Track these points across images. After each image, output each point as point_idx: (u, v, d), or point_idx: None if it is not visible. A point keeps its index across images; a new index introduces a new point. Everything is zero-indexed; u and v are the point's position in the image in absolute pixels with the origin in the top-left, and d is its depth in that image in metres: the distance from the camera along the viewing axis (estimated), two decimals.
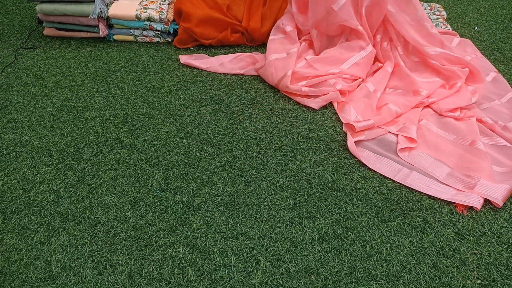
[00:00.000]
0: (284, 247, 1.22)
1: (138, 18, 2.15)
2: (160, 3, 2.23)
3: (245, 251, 1.21)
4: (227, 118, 1.71)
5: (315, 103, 1.76)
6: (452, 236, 1.26)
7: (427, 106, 1.75)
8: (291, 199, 1.37)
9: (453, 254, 1.21)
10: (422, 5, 2.56)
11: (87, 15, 2.12)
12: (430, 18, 2.40)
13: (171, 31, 2.24)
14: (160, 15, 2.16)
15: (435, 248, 1.22)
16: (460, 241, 1.25)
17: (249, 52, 2.13)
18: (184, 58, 2.08)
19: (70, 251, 1.21)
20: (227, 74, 1.98)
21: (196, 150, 1.55)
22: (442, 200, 1.37)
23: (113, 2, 2.23)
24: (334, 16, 1.88)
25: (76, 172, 1.46)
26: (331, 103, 1.80)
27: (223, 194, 1.38)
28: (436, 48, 1.89)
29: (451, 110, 1.68)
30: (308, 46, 2.07)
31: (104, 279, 1.13)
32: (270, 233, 1.26)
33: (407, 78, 1.84)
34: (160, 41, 2.26)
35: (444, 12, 2.46)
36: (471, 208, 1.34)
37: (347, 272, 1.16)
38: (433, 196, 1.38)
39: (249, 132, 1.64)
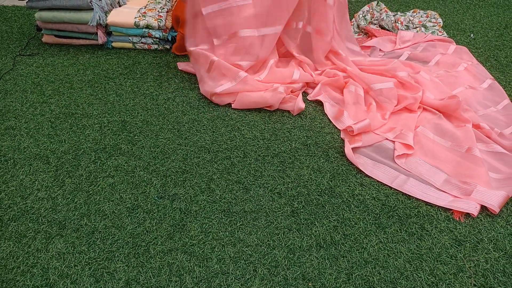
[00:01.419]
0: (281, 254, 1.23)
1: (136, 25, 2.16)
2: (158, 11, 2.25)
3: (243, 258, 1.21)
4: (225, 125, 1.72)
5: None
6: (449, 243, 1.26)
7: (425, 109, 1.76)
8: (288, 206, 1.37)
9: (450, 261, 1.21)
10: (418, 12, 2.58)
11: (85, 23, 2.13)
12: (426, 25, 2.43)
13: (170, 39, 2.26)
14: (159, 23, 2.17)
15: (432, 254, 1.23)
16: (457, 247, 1.25)
17: None
18: (182, 65, 2.09)
19: (67, 258, 1.20)
20: None
21: (194, 157, 1.56)
22: (439, 206, 1.37)
23: (111, 10, 2.25)
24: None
25: (74, 179, 1.46)
26: (325, 113, 1.81)
27: (221, 201, 1.39)
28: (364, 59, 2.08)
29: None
30: None
31: (101, 287, 1.13)
32: (268, 240, 1.26)
33: (359, 79, 1.91)
34: (159, 48, 2.28)
35: (440, 20, 2.48)
36: (468, 215, 1.35)
37: (344, 279, 1.16)
38: (430, 203, 1.38)
39: (247, 138, 1.65)
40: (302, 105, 1.77)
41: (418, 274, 1.17)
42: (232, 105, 1.81)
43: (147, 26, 2.17)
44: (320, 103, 1.86)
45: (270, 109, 1.80)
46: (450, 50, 2.15)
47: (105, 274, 1.16)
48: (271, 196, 1.40)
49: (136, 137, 1.65)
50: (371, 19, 2.55)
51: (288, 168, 1.51)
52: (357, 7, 2.79)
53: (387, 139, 1.63)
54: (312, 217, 1.33)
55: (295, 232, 1.29)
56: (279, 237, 1.27)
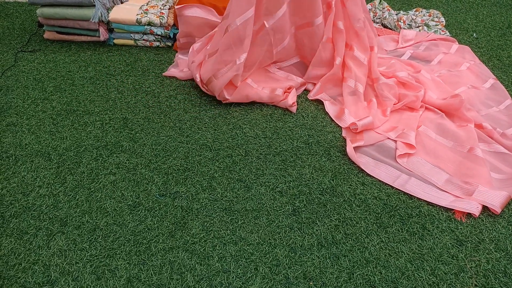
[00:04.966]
0: (283, 252, 1.23)
1: (138, 22, 2.16)
2: (160, 8, 2.24)
3: (244, 256, 1.21)
4: (227, 123, 1.72)
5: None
6: (450, 243, 1.26)
7: (427, 108, 1.75)
8: (290, 205, 1.37)
9: (452, 261, 1.21)
10: (421, 11, 2.57)
11: (87, 19, 2.12)
12: (428, 24, 2.42)
13: (171, 36, 2.25)
14: (161, 20, 2.17)
15: (433, 254, 1.23)
16: (458, 247, 1.25)
17: None
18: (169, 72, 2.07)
19: (69, 255, 1.20)
20: None
21: (196, 155, 1.55)
22: (440, 206, 1.37)
23: (113, 7, 2.24)
24: None
25: (76, 176, 1.46)
26: (326, 112, 1.80)
27: (222, 199, 1.38)
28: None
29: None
30: None
31: (103, 284, 1.13)
32: (269, 239, 1.26)
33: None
34: (160, 46, 2.27)
35: (443, 19, 2.47)
36: (469, 215, 1.35)
37: (345, 278, 1.16)
38: (431, 203, 1.38)
39: (249, 137, 1.65)
40: (290, 101, 1.77)
41: (419, 274, 1.17)
42: (230, 97, 1.80)
43: (149, 23, 2.17)
44: (322, 102, 1.86)
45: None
46: (452, 49, 2.15)
47: (106, 272, 1.16)
48: (272, 195, 1.40)
49: (137, 134, 1.65)
50: (374, 17, 2.54)
51: (290, 166, 1.51)
52: None
53: (389, 138, 1.63)
54: (314, 216, 1.33)
55: (297, 231, 1.29)
56: (281, 236, 1.27)
